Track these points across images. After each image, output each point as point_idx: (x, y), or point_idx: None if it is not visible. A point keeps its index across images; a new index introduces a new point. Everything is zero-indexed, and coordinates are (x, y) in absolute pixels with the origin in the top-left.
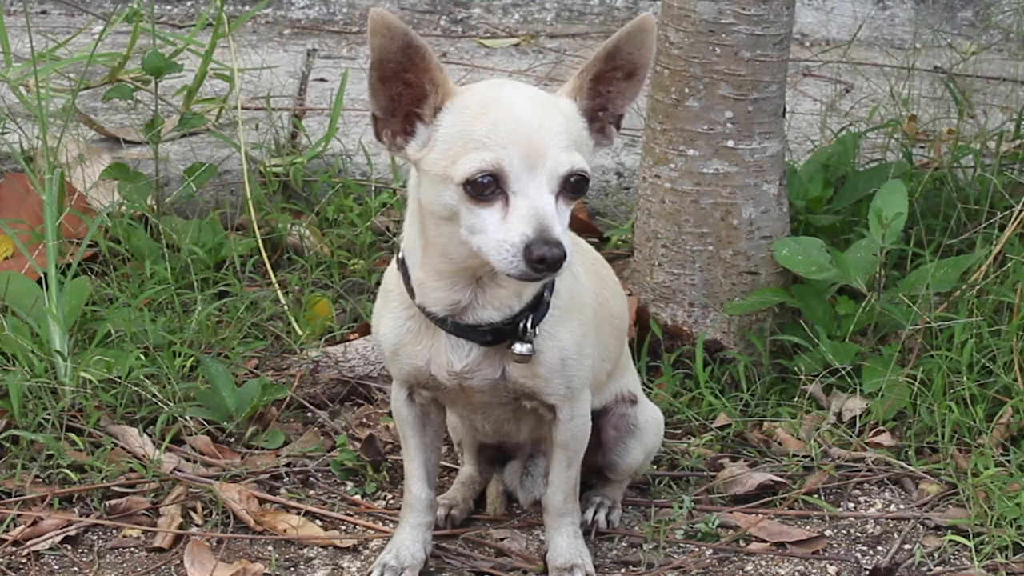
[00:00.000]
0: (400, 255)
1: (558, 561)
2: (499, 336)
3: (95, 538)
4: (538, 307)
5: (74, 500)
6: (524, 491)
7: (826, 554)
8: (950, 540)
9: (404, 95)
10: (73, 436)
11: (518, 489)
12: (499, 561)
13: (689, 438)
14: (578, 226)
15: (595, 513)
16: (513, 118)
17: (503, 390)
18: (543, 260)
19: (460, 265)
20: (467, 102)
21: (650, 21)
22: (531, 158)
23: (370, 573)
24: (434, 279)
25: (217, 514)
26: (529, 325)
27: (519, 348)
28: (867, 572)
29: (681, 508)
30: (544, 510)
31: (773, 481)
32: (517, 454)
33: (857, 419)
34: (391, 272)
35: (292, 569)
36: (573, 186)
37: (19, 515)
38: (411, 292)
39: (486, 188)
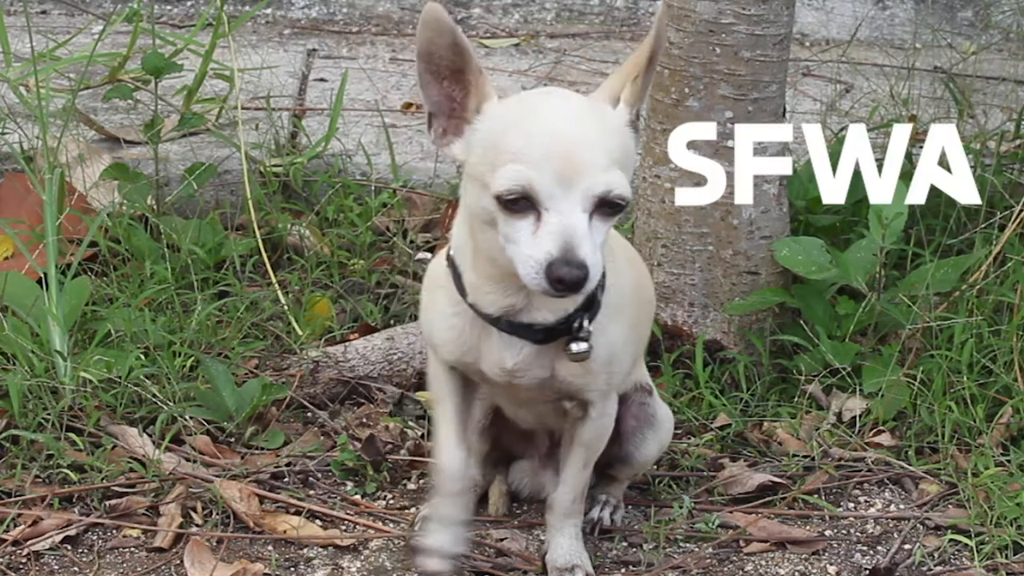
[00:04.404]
0: (450, 251)
1: (559, 562)
2: (551, 335)
3: (95, 538)
4: (591, 306)
5: (74, 500)
6: (552, 484)
7: (826, 554)
8: (950, 540)
9: (457, 95)
10: (73, 436)
11: (548, 482)
12: (499, 561)
13: (689, 438)
14: None
15: (600, 510)
16: (550, 131)
17: (549, 389)
18: (562, 281)
19: (505, 271)
20: (507, 109)
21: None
22: (566, 175)
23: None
24: (486, 283)
25: (217, 514)
26: (585, 323)
27: (576, 347)
28: (867, 572)
29: (681, 508)
30: (549, 509)
31: (773, 481)
32: (525, 455)
33: (857, 419)
34: (439, 267)
35: (292, 569)
36: (610, 204)
37: (19, 515)
38: (461, 290)
39: (518, 202)
